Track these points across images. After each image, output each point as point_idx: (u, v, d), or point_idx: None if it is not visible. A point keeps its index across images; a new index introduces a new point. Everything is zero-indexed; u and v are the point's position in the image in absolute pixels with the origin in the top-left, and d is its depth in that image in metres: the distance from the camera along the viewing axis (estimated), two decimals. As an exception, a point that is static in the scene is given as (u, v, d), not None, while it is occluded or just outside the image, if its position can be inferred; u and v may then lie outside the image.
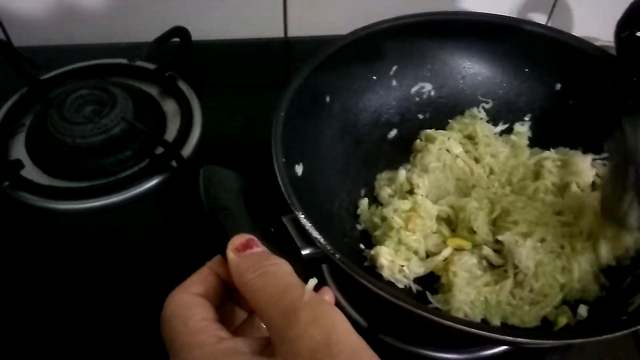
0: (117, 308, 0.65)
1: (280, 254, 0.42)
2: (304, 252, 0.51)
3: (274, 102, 0.61)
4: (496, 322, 0.60)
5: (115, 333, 0.63)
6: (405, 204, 0.66)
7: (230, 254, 0.40)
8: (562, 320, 0.59)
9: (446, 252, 0.64)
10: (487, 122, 0.77)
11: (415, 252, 0.65)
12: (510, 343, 0.55)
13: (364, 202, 0.71)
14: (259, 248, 0.40)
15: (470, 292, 0.60)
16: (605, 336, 0.48)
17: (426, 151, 0.73)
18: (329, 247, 0.51)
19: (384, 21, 0.73)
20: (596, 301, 0.60)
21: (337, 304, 0.62)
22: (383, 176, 0.74)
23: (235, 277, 0.38)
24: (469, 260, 0.62)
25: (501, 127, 0.78)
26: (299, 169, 0.64)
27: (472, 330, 0.47)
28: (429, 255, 0.66)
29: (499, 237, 0.63)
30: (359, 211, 0.71)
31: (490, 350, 0.62)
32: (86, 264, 0.70)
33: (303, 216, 0.51)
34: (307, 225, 0.51)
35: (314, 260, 0.51)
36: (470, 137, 0.76)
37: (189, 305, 0.39)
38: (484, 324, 0.59)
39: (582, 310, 0.59)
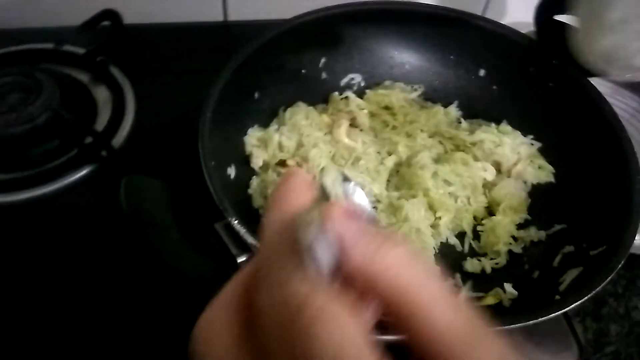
0: (50, 303, 0.55)
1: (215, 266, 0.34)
2: (240, 259, 0.42)
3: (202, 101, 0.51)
4: None
5: (47, 329, 0.53)
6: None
7: (344, 219, 0.23)
8: (489, 300, 0.53)
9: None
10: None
11: None
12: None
13: (254, 183, 0.59)
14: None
15: None
16: (535, 320, 0.43)
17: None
18: (265, 253, 0.42)
19: (309, 12, 0.64)
20: (528, 280, 0.54)
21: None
22: (253, 133, 0.62)
23: (367, 254, 0.22)
24: None
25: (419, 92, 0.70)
26: (231, 171, 0.54)
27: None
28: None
29: None
30: (250, 191, 0.59)
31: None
32: (13, 259, 0.58)
33: (237, 221, 0.42)
34: (242, 230, 0.42)
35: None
36: (388, 108, 0.68)
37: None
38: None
39: (509, 288, 0.53)
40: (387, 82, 0.70)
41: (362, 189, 0.45)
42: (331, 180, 0.41)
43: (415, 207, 0.55)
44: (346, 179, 0.41)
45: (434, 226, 0.57)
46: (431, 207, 0.58)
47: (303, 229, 0.23)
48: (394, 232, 0.25)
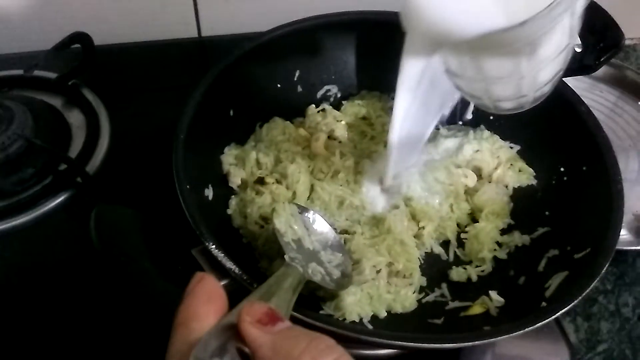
0: (29, 332, 0.54)
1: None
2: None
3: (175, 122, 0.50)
4: (382, 313, 0.52)
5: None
6: (265, 199, 0.56)
7: (255, 331, 0.26)
8: (476, 309, 0.52)
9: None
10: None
11: None
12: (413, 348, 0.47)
13: (233, 202, 0.59)
14: (285, 323, 0.28)
15: (355, 292, 0.51)
16: (523, 331, 0.42)
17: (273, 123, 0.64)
18: (245, 277, 0.41)
19: (281, 26, 0.64)
20: (514, 286, 0.54)
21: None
22: (229, 152, 0.61)
23: None
24: None
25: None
26: (209, 193, 0.53)
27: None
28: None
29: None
30: (229, 211, 0.58)
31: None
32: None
33: (214, 246, 0.41)
34: (219, 255, 0.41)
35: (232, 293, 0.41)
36: (365, 118, 0.68)
37: None
38: (374, 319, 0.52)
39: (495, 296, 0.52)
40: (363, 92, 0.69)
41: (321, 216, 0.45)
42: (284, 219, 0.40)
43: (397, 218, 0.55)
44: (303, 210, 0.40)
45: (417, 236, 0.56)
46: (414, 217, 0.57)
47: None
48: (318, 335, 0.26)
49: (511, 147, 0.64)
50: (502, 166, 0.62)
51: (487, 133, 0.65)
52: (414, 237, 0.56)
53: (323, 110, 0.67)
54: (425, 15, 0.42)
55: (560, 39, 0.42)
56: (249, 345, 0.26)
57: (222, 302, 0.29)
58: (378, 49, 0.68)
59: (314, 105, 0.68)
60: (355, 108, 0.67)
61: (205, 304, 0.28)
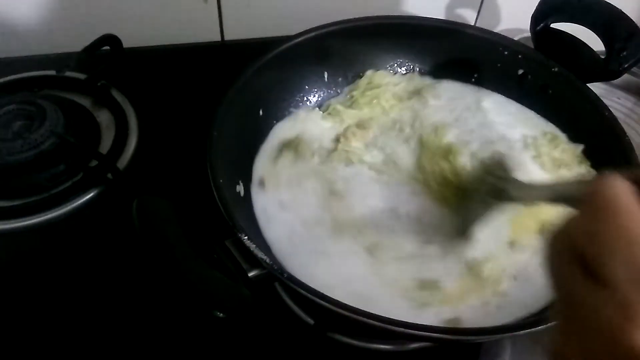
0: (60, 328, 0.55)
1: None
2: (251, 274, 0.42)
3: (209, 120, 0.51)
4: None
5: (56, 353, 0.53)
6: None
7: None
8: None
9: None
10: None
11: None
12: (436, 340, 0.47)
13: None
14: None
15: None
16: (544, 326, 0.42)
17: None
18: (276, 267, 0.42)
19: (308, 30, 0.65)
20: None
21: (284, 305, 0.55)
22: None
23: None
24: None
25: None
26: (240, 189, 0.54)
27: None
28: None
29: None
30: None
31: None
32: (22, 285, 0.58)
33: (247, 237, 0.42)
34: (252, 246, 0.42)
35: (262, 281, 0.43)
36: (416, 92, 0.68)
37: None
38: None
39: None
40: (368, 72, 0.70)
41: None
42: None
43: None
44: None
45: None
46: None
47: None
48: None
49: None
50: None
51: None
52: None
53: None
54: None
55: None
56: None
57: None
58: (402, 51, 0.70)
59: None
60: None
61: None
